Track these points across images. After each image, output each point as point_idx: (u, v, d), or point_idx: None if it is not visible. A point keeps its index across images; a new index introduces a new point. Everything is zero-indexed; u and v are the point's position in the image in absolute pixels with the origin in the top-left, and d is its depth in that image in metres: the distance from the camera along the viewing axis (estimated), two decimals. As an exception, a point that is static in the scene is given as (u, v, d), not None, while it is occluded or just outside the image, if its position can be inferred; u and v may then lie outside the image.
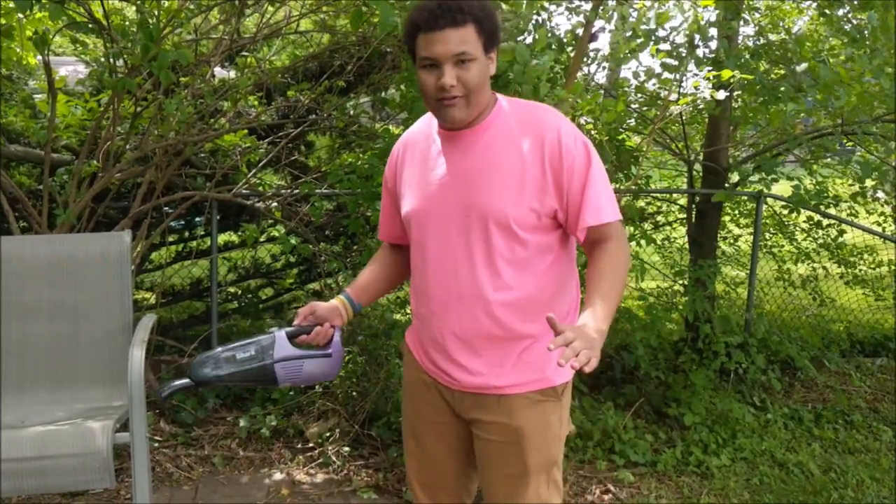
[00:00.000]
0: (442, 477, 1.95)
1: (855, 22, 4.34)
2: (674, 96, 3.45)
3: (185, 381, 1.82)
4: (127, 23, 3.45)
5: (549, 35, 3.49)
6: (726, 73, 3.00)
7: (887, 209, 5.54)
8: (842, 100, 3.33)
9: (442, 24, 1.59)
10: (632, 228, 4.09)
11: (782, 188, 4.60)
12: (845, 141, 4.63)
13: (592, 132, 3.47)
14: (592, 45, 3.90)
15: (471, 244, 1.69)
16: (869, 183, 4.43)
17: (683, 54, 3.76)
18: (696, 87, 3.13)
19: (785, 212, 4.91)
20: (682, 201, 5.43)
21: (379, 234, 2.03)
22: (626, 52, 3.75)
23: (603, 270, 1.66)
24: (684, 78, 3.83)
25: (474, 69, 1.61)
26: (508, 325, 1.71)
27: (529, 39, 3.38)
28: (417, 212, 1.77)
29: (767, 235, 5.41)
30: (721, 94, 3.14)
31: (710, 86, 3.09)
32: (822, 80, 3.47)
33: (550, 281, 1.74)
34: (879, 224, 5.57)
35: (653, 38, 3.49)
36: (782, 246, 5.44)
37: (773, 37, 4.87)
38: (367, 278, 1.99)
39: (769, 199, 4.79)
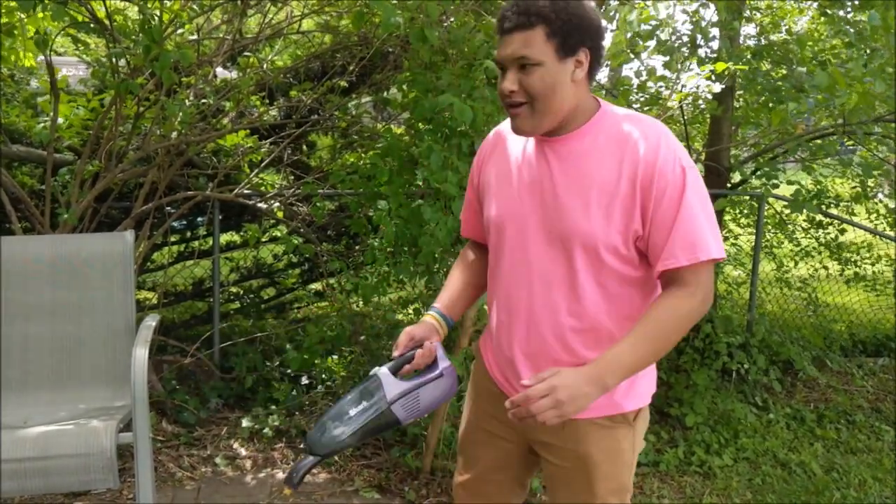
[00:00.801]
0: (485, 488, 1.88)
1: (855, 21, 4.34)
2: (674, 96, 3.45)
3: (312, 458, 1.59)
4: (129, 22, 3.44)
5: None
6: (720, 66, 2.99)
7: (890, 203, 5.53)
8: (842, 98, 3.33)
9: (508, 26, 1.52)
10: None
11: (783, 188, 4.60)
12: (846, 141, 4.63)
13: None
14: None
15: (550, 261, 1.59)
16: (871, 182, 4.43)
17: (686, 55, 3.76)
18: (692, 81, 3.11)
19: (787, 211, 4.91)
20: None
21: (462, 230, 1.92)
22: (627, 50, 3.76)
23: (653, 317, 1.51)
24: (684, 76, 3.83)
25: (538, 74, 1.50)
26: (576, 351, 1.60)
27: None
28: (498, 216, 1.67)
29: (768, 235, 5.42)
30: (717, 87, 3.13)
31: (707, 80, 3.07)
32: (821, 84, 3.46)
33: (631, 313, 1.59)
34: (875, 222, 5.56)
35: (655, 37, 3.49)
36: (782, 243, 5.44)
37: (774, 37, 4.87)
38: (456, 287, 1.84)
39: (770, 199, 4.79)
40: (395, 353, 1.68)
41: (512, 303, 1.66)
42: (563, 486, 1.73)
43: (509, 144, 1.72)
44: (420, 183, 3.05)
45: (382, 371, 1.64)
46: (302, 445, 3.55)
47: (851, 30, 4.11)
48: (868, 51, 4.03)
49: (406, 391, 1.62)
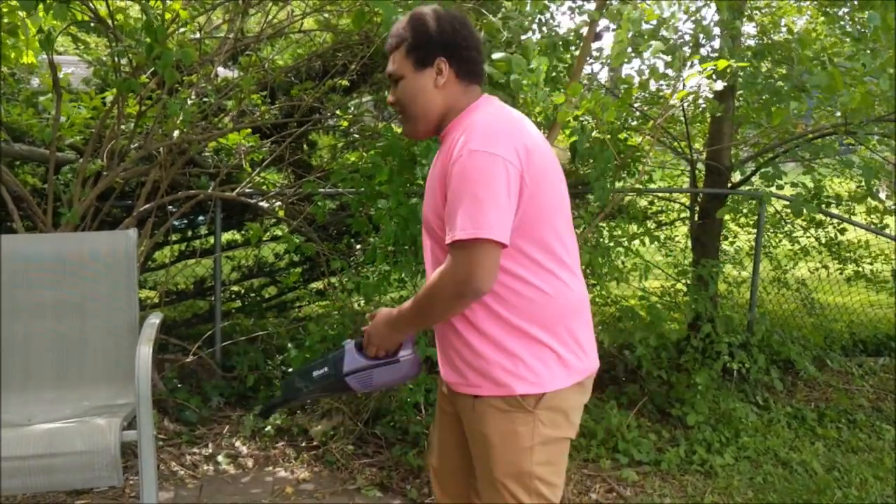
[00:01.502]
0: (449, 463, 2.02)
1: (855, 20, 4.34)
2: (676, 94, 3.45)
3: (279, 399, 1.98)
4: (131, 20, 3.44)
5: (553, 34, 3.49)
6: (723, 63, 2.99)
7: (889, 203, 5.53)
8: (845, 98, 3.33)
9: (385, 50, 1.84)
10: (635, 227, 4.09)
11: (784, 189, 4.60)
12: (846, 140, 4.64)
13: (594, 133, 3.48)
14: (596, 45, 3.90)
15: (427, 247, 1.85)
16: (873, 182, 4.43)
17: (687, 54, 3.76)
18: (694, 79, 3.11)
19: (787, 211, 4.91)
20: (683, 199, 5.44)
21: None
22: (629, 49, 3.76)
23: (424, 285, 1.73)
24: (686, 72, 3.83)
25: (401, 86, 1.79)
26: (450, 324, 1.77)
27: (535, 38, 3.38)
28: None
29: (767, 235, 5.42)
30: (719, 85, 3.13)
31: (708, 78, 3.07)
32: (821, 83, 3.47)
33: None
34: (870, 218, 5.56)
35: (659, 36, 3.49)
36: (781, 242, 5.44)
37: (774, 36, 4.87)
38: None
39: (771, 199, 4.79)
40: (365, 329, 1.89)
41: None
42: (476, 463, 1.85)
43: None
44: (421, 182, 3.06)
45: (349, 345, 1.86)
46: (304, 444, 3.56)
47: (850, 28, 4.11)
48: (868, 50, 4.03)
49: (361, 368, 1.83)
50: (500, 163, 1.60)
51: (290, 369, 1.94)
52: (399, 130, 3.67)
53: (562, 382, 1.75)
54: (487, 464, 1.79)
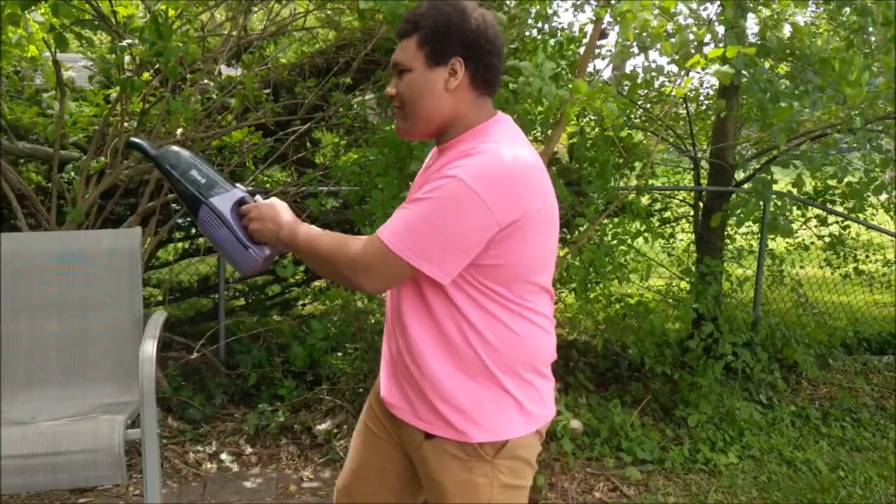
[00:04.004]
0: (364, 489, 1.84)
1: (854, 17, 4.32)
2: (681, 81, 3.43)
3: (151, 150, 1.79)
4: (136, 18, 3.44)
5: (560, 31, 3.48)
6: (732, 50, 2.96)
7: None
8: (853, 93, 3.30)
9: (397, 34, 1.62)
10: (638, 224, 4.08)
11: (783, 186, 4.59)
12: (847, 142, 4.61)
13: (596, 130, 3.48)
14: (601, 42, 3.89)
15: None
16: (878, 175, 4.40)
17: (693, 53, 3.74)
18: (698, 67, 3.07)
19: (795, 210, 4.89)
20: (683, 195, 5.43)
21: None
22: (633, 48, 3.75)
23: (334, 233, 1.63)
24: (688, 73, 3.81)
25: (407, 79, 1.58)
26: (411, 348, 1.62)
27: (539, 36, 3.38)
28: None
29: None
30: (726, 68, 3.09)
31: (717, 66, 3.03)
32: (824, 81, 3.45)
33: (424, 316, 1.60)
34: (870, 215, 5.53)
35: (665, 33, 3.47)
36: (784, 240, 5.42)
37: (777, 33, 4.85)
38: None
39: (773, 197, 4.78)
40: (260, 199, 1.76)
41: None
42: None
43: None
44: (415, 173, 3.05)
45: (237, 192, 1.73)
46: (308, 442, 3.55)
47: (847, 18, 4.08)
48: (870, 48, 4.02)
49: (219, 214, 1.70)
50: (482, 210, 1.45)
51: (175, 148, 1.81)
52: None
53: (522, 430, 1.60)
54: None
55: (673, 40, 3.10)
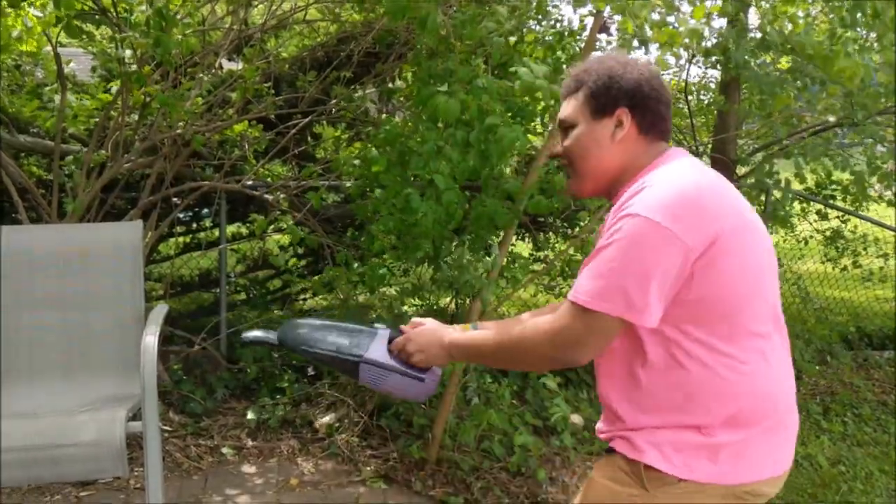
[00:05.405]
0: None
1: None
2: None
3: (272, 337, 1.73)
4: (139, 13, 3.44)
5: (560, 24, 3.48)
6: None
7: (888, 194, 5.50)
8: (856, 79, 3.28)
9: (562, 94, 1.62)
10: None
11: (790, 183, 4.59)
12: (848, 138, 4.61)
13: None
14: (602, 36, 3.88)
15: None
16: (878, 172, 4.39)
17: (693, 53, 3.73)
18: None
19: (796, 205, 4.89)
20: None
21: None
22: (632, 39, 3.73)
23: (516, 324, 1.57)
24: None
25: (573, 137, 1.57)
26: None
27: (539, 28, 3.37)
28: None
29: (771, 227, 5.40)
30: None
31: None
32: (827, 73, 3.44)
33: (622, 370, 1.52)
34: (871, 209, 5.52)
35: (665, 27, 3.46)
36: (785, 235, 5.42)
37: (777, 27, 4.84)
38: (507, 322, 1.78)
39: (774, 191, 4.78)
40: (408, 328, 1.73)
41: None
42: None
43: None
44: (417, 173, 3.05)
45: (382, 333, 1.68)
46: (309, 436, 3.55)
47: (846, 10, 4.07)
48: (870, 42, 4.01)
49: (381, 364, 1.65)
50: (670, 240, 1.36)
51: (301, 320, 1.76)
52: (399, 122, 3.65)
53: (699, 476, 1.45)
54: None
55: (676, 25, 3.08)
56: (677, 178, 1.44)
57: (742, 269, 1.42)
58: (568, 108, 1.58)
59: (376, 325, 1.71)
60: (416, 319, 1.73)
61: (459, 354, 1.63)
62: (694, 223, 1.37)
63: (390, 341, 1.68)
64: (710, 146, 4.78)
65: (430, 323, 1.69)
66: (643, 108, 1.53)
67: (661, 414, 1.47)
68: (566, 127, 1.58)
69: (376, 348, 1.66)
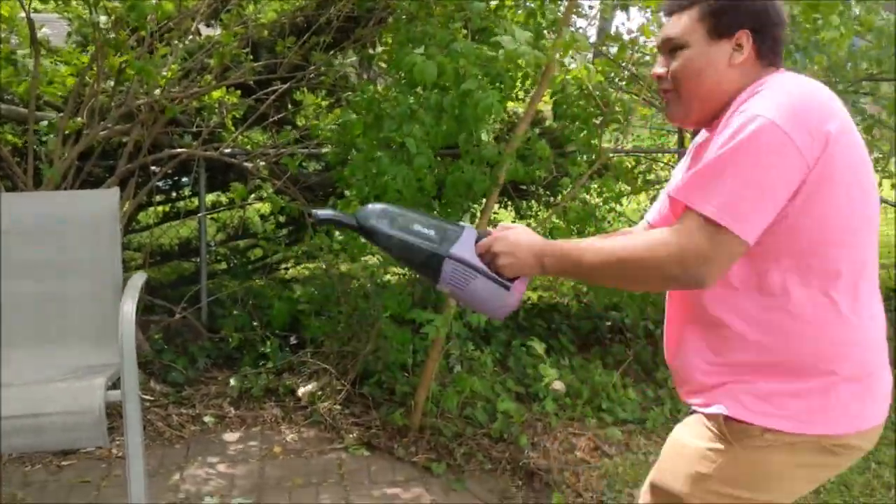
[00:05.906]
0: None
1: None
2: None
3: (350, 218, 1.53)
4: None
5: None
6: None
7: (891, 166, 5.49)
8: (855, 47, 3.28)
9: (666, 9, 1.48)
10: (622, 184, 4.05)
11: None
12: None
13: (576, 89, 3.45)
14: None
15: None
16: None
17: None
18: None
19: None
20: (668, 158, 5.42)
21: None
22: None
23: (619, 237, 1.46)
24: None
25: (683, 58, 1.43)
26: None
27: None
28: None
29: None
30: None
31: None
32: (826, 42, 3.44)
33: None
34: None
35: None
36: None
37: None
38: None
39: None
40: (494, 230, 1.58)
41: None
42: None
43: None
44: (389, 134, 3.02)
45: (469, 231, 1.50)
46: (291, 405, 3.56)
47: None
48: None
49: (468, 263, 1.47)
50: (787, 147, 1.26)
51: (382, 205, 1.55)
52: (379, 89, 3.61)
53: (784, 426, 1.36)
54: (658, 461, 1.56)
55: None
56: (790, 85, 1.36)
57: (848, 199, 1.33)
58: (677, 26, 1.44)
59: (460, 223, 1.54)
60: (504, 223, 1.55)
61: (553, 265, 1.44)
62: (809, 132, 1.28)
63: (477, 241, 1.50)
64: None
65: (520, 227, 1.52)
66: (765, 32, 1.43)
67: (744, 363, 1.40)
68: (673, 48, 1.44)
69: (464, 245, 1.48)
